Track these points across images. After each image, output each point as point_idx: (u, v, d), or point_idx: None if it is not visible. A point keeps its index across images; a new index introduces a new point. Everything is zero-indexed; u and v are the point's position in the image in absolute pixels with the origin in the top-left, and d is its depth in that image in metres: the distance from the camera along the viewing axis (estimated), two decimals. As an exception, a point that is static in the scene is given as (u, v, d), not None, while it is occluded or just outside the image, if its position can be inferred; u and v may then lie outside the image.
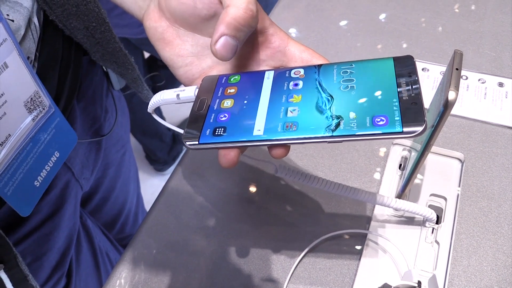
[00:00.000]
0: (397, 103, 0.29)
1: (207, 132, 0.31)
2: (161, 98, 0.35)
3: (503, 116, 0.53)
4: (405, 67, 0.31)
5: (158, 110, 1.45)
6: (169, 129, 1.50)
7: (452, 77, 0.35)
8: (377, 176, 0.49)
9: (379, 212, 0.45)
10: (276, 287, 0.42)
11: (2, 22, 0.36)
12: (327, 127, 0.29)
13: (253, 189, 0.49)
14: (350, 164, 0.51)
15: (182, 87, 0.35)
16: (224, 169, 0.51)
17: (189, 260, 0.44)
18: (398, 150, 0.51)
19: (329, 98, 0.30)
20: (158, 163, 1.57)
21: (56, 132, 0.44)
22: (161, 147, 1.52)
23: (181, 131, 0.32)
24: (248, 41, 0.33)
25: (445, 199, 0.46)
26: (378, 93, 0.30)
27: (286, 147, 0.30)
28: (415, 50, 0.64)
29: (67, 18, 0.43)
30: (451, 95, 0.33)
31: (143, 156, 1.60)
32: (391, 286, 0.36)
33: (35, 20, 0.42)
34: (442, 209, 0.45)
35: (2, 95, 0.36)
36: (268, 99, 0.32)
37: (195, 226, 0.47)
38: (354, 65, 0.32)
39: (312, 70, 0.33)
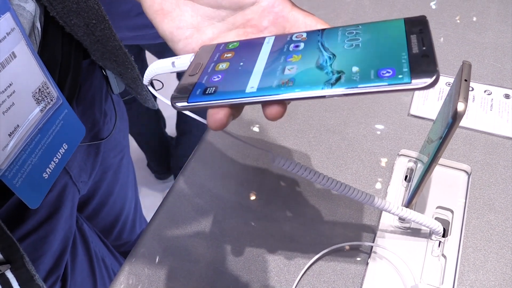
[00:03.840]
0: (406, 56, 0.27)
1: (197, 92, 0.29)
2: (156, 67, 0.33)
3: (510, 128, 0.53)
4: (416, 25, 0.29)
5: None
6: (172, 138, 1.49)
7: (461, 89, 0.34)
8: (382, 187, 0.49)
9: (385, 224, 0.45)
10: (279, 300, 0.41)
11: (10, 11, 0.35)
12: (326, 81, 0.27)
13: (255, 198, 0.49)
14: (355, 174, 0.50)
15: (177, 56, 0.33)
16: (224, 175, 0.51)
17: (191, 267, 0.44)
18: (404, 161, 0.50)
19: (331, 56, 0.29)
20: (159, 172, 1.57)
21: (64, 124, 0.44)
22: (163, 156, 1.52)
23: (164, 99, 0.31)
24: (251, 7, 0.32)
25: (452, 211, 0.45)
26: (385, 48, 0.28)
27: (282, 104, 0.28)
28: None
29: (68, 14, 0.43)
30: (460, 107, 0.33)
31: (144, 164, 1.60)
32: (397, 301, 0.35)
33: (38, 24, 0.42)
34: (449, 222, 0.45)
35: (10, 85, 0.36)
36: (266, 60, 0.30)
37: (197, 235, 0.46)
38: (360, 27, 0.30)
39: (316, 33, 0.31)
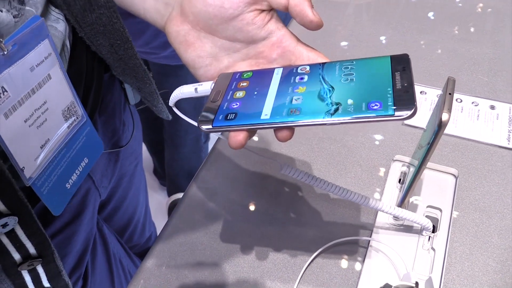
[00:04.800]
0: (391, 91, 0.32)
1: (220, 117, 0.35)
2: (181, 91, 0.39)
3: (494, 136, 0.58)
4: (400, 63, 0.35)
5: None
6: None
7: (446, 101, 0.40)
8: (378, 189, 0.54)
9: (381, 221, 0.50)
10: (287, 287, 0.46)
11: (48, 38, 0.41)
12: (327, 111, 0.32)
13: (262, 201, 0.54)
14: (354, 178, 0.55)
15: (199, 83, 0.39)
16: (233, 181, 0.56)
17: (202, 269, 0.49)
18: (398, 166, 0.56)
19: (330, 88, 0.34)
20: (165, 178, 1.61)
21: (86, 140, 0.49)
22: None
23: (189, 119, 0.38)
24: (262, 41, 0.38)
25: (441, 210, 0.50)
26: (374, 84, 0.33)
27: (290, 129, 0.33)
28: (414, 75, 0.69)
29: (95, 35, 0.47)
30: (444, 116, 0.38)
31: (150, 170, 1.65)
32: (391, 286, 0.40)
33: (67, 42, 0.47)
34: (438, 219, 0.50)
35: (44, 103, 0.41)
36: (276, 90, 0.35)
37: (207, 236, 0.51)
38: (354, 62, 0.36)
39: (317, 66, 0.37)
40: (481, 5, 0.85)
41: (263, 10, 0.37)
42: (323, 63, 0.37)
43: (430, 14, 0.84)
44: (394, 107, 0.31)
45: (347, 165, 0.57)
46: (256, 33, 0.37)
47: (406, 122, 0.62)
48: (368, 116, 0.31)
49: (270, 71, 0.38)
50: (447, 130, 0.60)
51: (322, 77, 0.35)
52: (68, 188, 0.47)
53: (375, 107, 0.31)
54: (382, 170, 0.56)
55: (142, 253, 0.83)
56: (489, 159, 0.56)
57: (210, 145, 1.49)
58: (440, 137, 0.40)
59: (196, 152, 1.42)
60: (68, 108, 0.44)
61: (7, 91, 0.36)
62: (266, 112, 0.34)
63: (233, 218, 0.53)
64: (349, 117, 0.31)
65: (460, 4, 0.86)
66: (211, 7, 0.36)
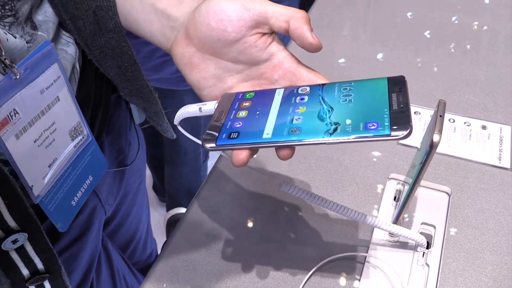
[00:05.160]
0: (387, 112, 0.33)
1: (223, 136, 0.36)
2: (186, 111, 0.41)
3: (486, 155, 0.60)
4: (397, 85, 0.36)
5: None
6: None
7: (437, 123, 0.41)
8: (375, 206, 0.56)
9: (377, 237, 0.51)
10: (286, 303, 0.47)
11: (58, 62, 0.43)
12: (326, 131, 0.33)
13: (260, 219, 0.55)
14: (351, 196, 0.57)
15: (204, 102, 0.41)
16: (234, 196, 0.58)
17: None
18: (393, 184, 0.57)
19: (330, 109, 0.35)
20: (164, 195, 1.63)
21: (91, 159, 0.50)
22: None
23: (194, 138, 0.39)
24: (264, 63, 0.40)
25: (434, 227, 0.52)
26: (372, 104, 0.34)
27: (291, 148, 0.35)
28: (410, 95, 0.71)
29: (104, 58, 0.49)
30: (435, 138, 0.40)
31: (150, 186, 1.66)
32: (387, 300, 0.42)
33: (77, 65, 0.49)
34: (432, 236, 0.51)
35: (53, 123, 0.43)
36: (277, 110, 0.37)
37: (208, 253, 0.53)
38: (353, 83, 0.38)
39: (317, 87, 0.38)
40: (476, 23, 0.88)
41: (264, 33, 0.38)
42: (323, 84, 0.38)
43: (427, 33, 0.86)
44: (391, 127, 0.32)
45: (344, 183, 0.59)
46: (258, 55, 0.39)
47: (401, 141, 0.63)
48: (366, 136, 0.32)
49: (272, 92, 0.39)
50: (440, 149, 0.62)
51: (322, 98, 0.37)
52: (74, 205, 0.49)
53: (372, 127, 0.32)
54: (378, 188, 0.58)
55: (143, 269, 0.84)
56: (481, 178, 0.58)
57: (209, 163, 1.51)
58: (432, 157, 0.42)
59: (195, 171, 1.43)
60: (75, 128, 0.46)
61: (18, 113, 0.38)
62: (268, 132, 0.35)
63: (234, 235, 0.54)
64: (347, 137, 0.33)
65: (456, 22, 0.89)
66: (215, 31, 0.38)
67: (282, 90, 0.39)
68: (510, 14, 0.92)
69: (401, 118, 0.33)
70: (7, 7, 0.37)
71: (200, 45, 0.40)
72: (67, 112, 0.44)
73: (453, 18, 0.90)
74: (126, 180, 0.67)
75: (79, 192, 0.49)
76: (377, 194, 0.57)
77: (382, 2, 0.99)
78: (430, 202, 0.55)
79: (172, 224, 1.51)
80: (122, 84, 0.53)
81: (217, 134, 0.37)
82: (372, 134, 0.32)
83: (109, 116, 0.57)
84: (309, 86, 0.38)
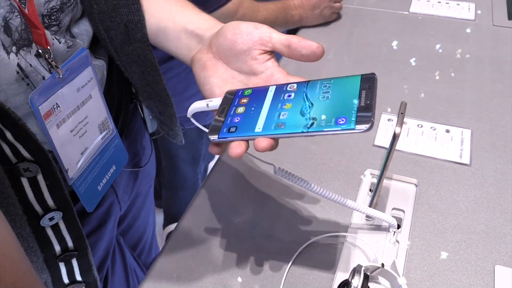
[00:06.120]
0: (355, 108, 0.37)
1: (224, 130, 0.42)
2: (196, 106, 0.48)
3: (449, 153, 0.70)
4: (368, 82, 0.40)
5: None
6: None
7: (398, 118, 0.51)
8: (353, 198, 0.64)
9: (355, 221, 0.60)
10: (278, 275, 0.55)
11: (91, 66, 0.51)
12: (305, 125, 0.38)
13: (255, 208, 0.64)
14: (333, 189, 0.66)
15: (210, 99, 0.47)
16: (234, 195, 0.66)
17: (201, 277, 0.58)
18: (369, 178, 0.66)
19: (310, 105, 0.40)
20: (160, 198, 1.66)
21: (115, 151, 0.58)
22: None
23: (203, 128, 0.46)
24: (260, 74, 0.46)
25: (404, 211, 0.61)
26: (344, 101, 0.38)
27: (275, 140, 0.40)
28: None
29: (129, 64, 0.56)
30: (397, 130, 0.49)
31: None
32: (362, 266, 0.50)
33: (104, 77, 0.58)
34: (402, 219, 0.60)
35: (86, 117, 0.51)
36: (268, 107, 0.42)
37: (200, 248, 0.60)
38: (332, 80, 0.42)
39: (303, 84, 0.43)
40: (459, 51, 0.99)
41: (266, 51, 0.47)
42: (308, 81, 0.43)
43: (412, 60, 0.96)
44: (356, 122, 0.36)
45: (327, 179, 0.67)
46: (257, 68, 0.47)
47: (376, 143, 0.73)
48: (335, 130, 0.37)
49: (266, 89, 0.45)
50: (410, 149, 0.71)
51: (305, 95, 0.42)
52: (99, 189, 0.56)
53: (342, 122, 0.37)
54: (356, 182, 0.67)
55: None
56: (444, 172, 0.67)
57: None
58: (396, 146, 0.51)
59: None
60: (103, 122, 0.54)
61: (59, 107, 0.47)
62: (259, 126, 0.41)
63: (232, 228, 0.62)
64: (320, 131, 0.37)
65: (440, 51, 0.98)
66: (228, 41, 0.46)
67: (275, 87, 0.45)
68: (490, 42, 1.03)
69: (365, 114, 0.37)
70: (53, 17, 0.45)
71: (216, 53, 0.48)
72: (97, 109, 0.53)
73: (437, 47, 1.00)
74: (139, 182, 0.74)
75: (104, 178, 0.57)
76: (355, 187, 0.66)
77: (366, 32, 1.11)
78: (400, 192, 0.64)
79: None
80: (143, 88, 0.60)
81: (219, 128, 0.42)
82: (340, 129, 0.37)
83: (127, 122, 0.65)
84: (297, 83, 0.44)
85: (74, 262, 0.53)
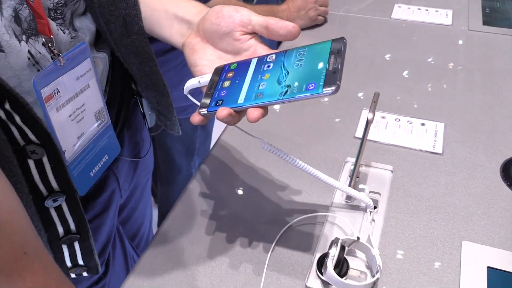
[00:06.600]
0: (324, 72, 0.38)
1: (212, 104, 0.44)
2: (190, 83, 0.51)
3: (423, 144, 0.75)
4: (338, 47, 0.40)
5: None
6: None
7: (371, 106, 0.56)
8: (334, 182, 0.69)
9: (336, 202, 0.64)
10: (264, 252, 0.59)
11: (90, 58, 0.55)
12: (280, 93, 0.39)
13: (246, 189, 0.68)
14: (315, 175, 0.70)
15: (201, 76, 0.50)
16: (228, 178, 0.70)
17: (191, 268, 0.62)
18: (349, 165, 0.71)
19: (286, 73, 0.41)
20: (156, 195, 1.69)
21: (108, 141, 0.62)
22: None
23: (199, 103, 0.48)
24: (245, 52, 0.49)
25: (380, 194, 0.65)
26: (315, 66, 0.39)
27: (260, 109, 0.42)
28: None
29: (128, 55, 0.60)
30: (370, 116, 0.54)
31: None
32: (339, 238, 0.54)
33: (108, 63, 0.62)
34: (378, 201, 0.65)
35: (83, 104, 0.55)
36: (250, 79, 0.44)
37: (190, 237, 0.64)
38: (306, 48, 0.43)
39: (281, 54, 0.44)
40: (437, 53, 1.04)
41: (247, 32, 0.50)
42: (286, 51, 0.44)
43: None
44: (324, 86, 0.37)
45: (311, 164, 0.72)
46: (241, 47, 0.50)
47: (357, 135, 0.78)
48: (306, 95, 0.38)
49: (248, 62, 0.47)
50: (388, 140, 0.76)
51: (283, 64, 0.42)
52: (92, 176, 0.60)
53: (311, 88, 0.38)
54: (337, 169, 0.71)
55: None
56: (418, 160, 0.72)
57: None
58: (369, 131, 0.56)
59: None
60: (99, 111, 0.58)
61: (59, 92, 0.51)
62: (241, 98, 0.43)
63: (215, 218, 0.66)
64: (293, 97, 0.38)
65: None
66: (213, 25, 0.50)
67: (256, 59, 0.46)
68: (466, 45, 1.10)
69: (332, 77, 0.37)
70: (58, 11, 0.50)
71: (203, 36, 0.52)
72: (94, 97, 0.57)
73: (417, 50, 1.05)
74: (138, 172, 0.77)
75: (97, 166, 0.61)
76: (337, 174, 0.70)
77: (351, 36, 1.16)
78: (377, 177, 0.69)
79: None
80: (142, 79, 0.63)
81: (208, 102, 0.46)
82: (309, 93, 0.38)
83: (129, 116, 0.69)
84: (275, 53, 0.45)
85: (76, 245, 0.56)
